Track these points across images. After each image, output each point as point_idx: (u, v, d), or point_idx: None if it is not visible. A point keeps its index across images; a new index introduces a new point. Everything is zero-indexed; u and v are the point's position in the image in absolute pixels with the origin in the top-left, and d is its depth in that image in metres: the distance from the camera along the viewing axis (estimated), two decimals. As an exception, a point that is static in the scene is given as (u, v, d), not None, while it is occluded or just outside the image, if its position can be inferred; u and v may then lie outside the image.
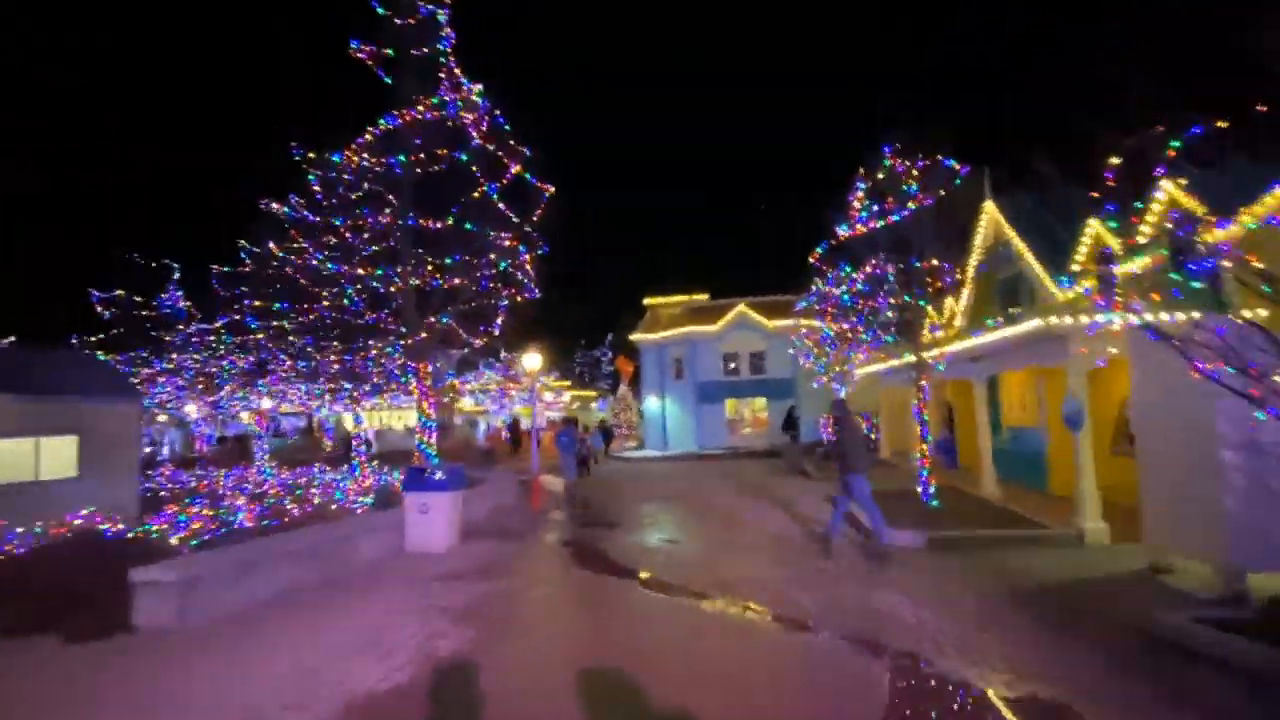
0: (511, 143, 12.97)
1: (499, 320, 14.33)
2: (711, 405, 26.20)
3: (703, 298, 28.65)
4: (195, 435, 33.98)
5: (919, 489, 10.69)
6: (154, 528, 8.88)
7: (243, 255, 14.37)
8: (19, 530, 8.99)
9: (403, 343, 12.38)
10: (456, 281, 12.32)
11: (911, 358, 11.28)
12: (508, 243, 12.92)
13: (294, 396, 23.97)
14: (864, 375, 19.09)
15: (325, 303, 12.02)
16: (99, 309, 23.52)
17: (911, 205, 10.80)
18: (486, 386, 40.46)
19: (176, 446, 34.46)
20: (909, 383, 18.49)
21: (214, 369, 20.72)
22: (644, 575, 7.52)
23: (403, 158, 11.68)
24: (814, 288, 18.59)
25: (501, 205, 13.15)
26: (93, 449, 11.98)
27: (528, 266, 14.17)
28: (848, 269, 11.71)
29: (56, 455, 11.50)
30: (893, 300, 11.29)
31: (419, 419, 12.88)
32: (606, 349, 65.09)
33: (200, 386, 22.90)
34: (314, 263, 11.82)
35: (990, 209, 14.17)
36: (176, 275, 24.24)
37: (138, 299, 24.14)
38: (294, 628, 5.81)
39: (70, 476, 11.62)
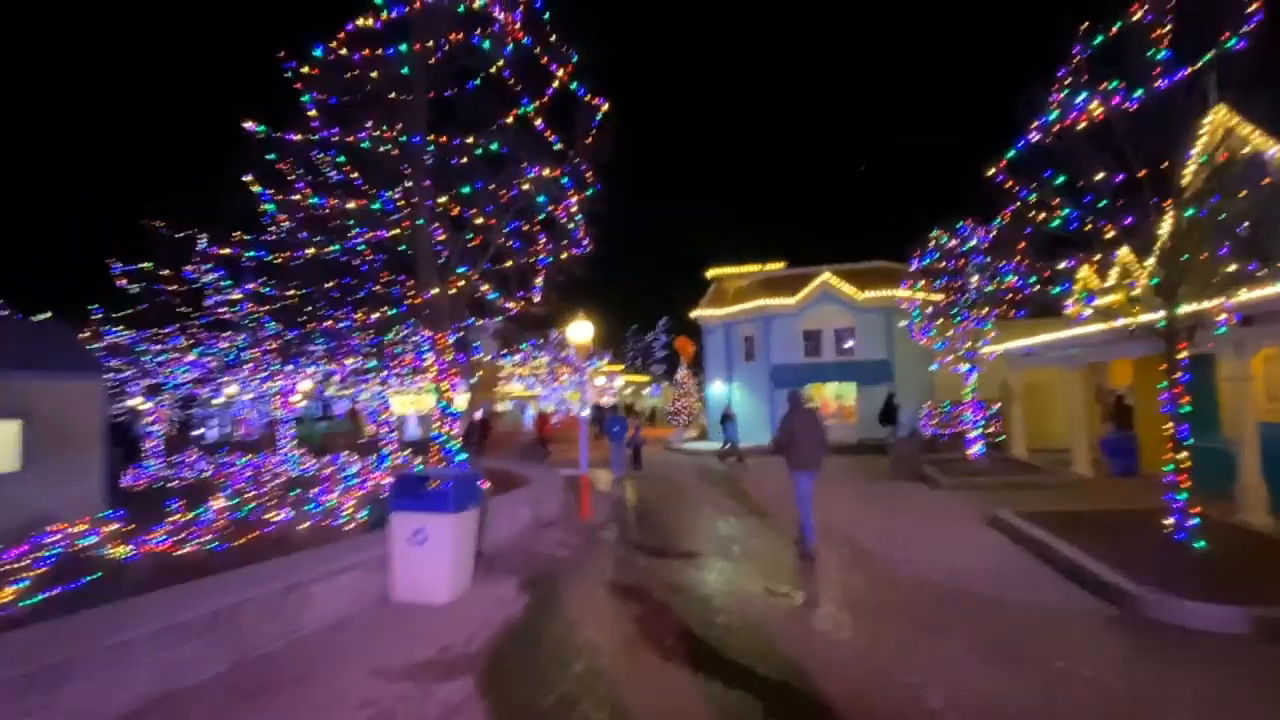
0: (554, 39, 9.79)
1: (538, 281, 11.31)
2: (788, 391, 22.61)
3: (778, 267, 24.93)
4: (239, 418, 32.90)
5: (1165, 519, 7.00)
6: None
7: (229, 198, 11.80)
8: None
9: (410, 302, 9.49)
10: (478, 219, 9.30)
11: (1147, 315, 7.50)
12: (548, 173, 9.79)
13: (333, 378, 21.86)
14: (991, 355, 15.16)
15: (311, 250, 9.22)
16: (123, 282, 21.94)
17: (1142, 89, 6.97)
18: (536, 370, 38.00)
19: (220, 430, 33.58)
20: (1063, 362, 14.46)
21: (239, 346, 18.65)
22: (768, 676, 4.30)
23: (404, 47, 8.66)
24: (931, 245, 14.83)
25: (540, 124, 10.04)
26: (41, 436, 9.64)
27: (575, 211, 11.04)
28: (1048, 180, 7.86)
29: (-7, 444, 9.23)
30: (1105, 230, 7.51)
31: (439, 404, 10.01)
32: (660, 333, 61.95)
33: (237, 367, 20.99)
34: (302, 200, 9.02)
35: (1223, 115, 10.07)
36: (203, 245, 22.29)
37: (164, 272, 22.31)
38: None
39: (10, 471, 9.31)
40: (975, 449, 14.01)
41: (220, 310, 20.37)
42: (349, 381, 23.15)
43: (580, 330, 10.47)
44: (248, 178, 9.20)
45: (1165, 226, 7.23)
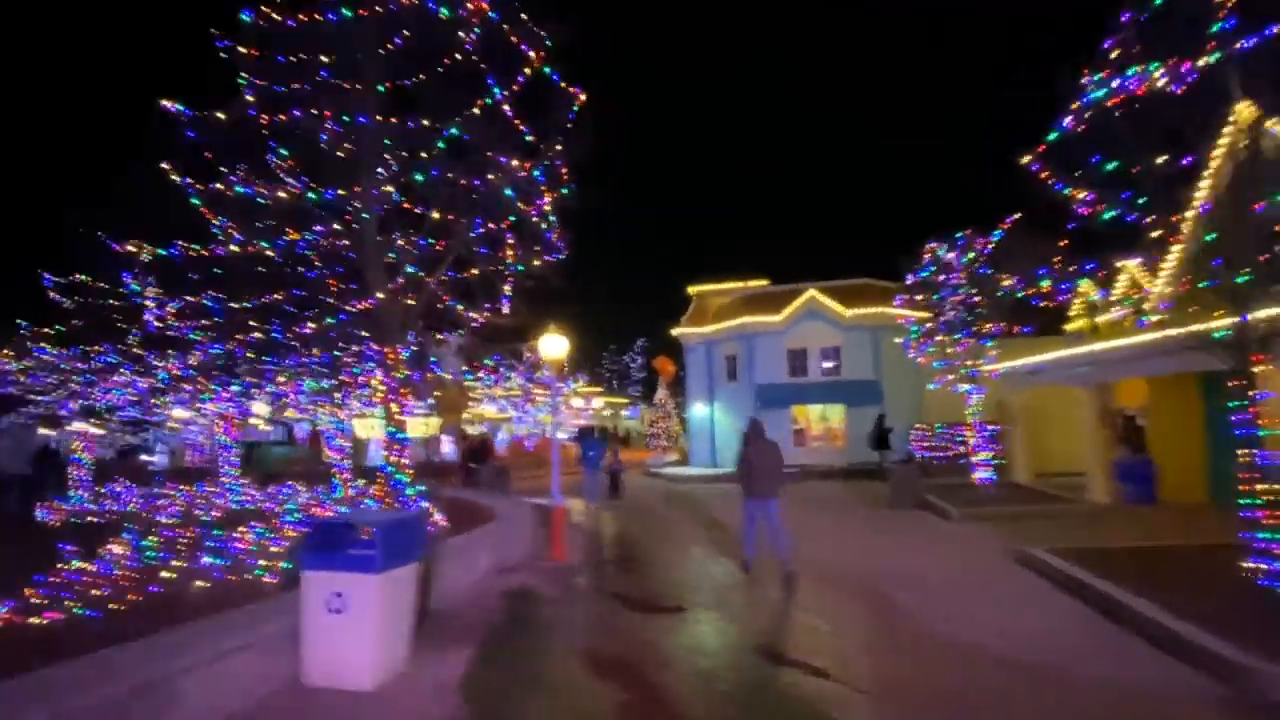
0: (526, 19, 8.71)
1: (506, 290, 10.09)
2: (773, 412, 21.55)
3: (762, 283, 24.07)
4: (187, 444, 30.71)
5: (1241, 560, 5.93)
6: None
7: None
8: None
9: (354, 308, 8.15)
10: (435, 214, 8.06)
11: (1188, 327, 6.55)
12: (517, 165, 8.63)
13: (284, 400, 20.15)
14: (993, 374, 14.30)
15: (235, 248, 7.85)
16: (54, 295, 20.03)
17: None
18: (511, 392, 36.46)
19: (167, 456, 31.30)
20: (1073, 381, 13.59)
21: (178, 365, 16.89)
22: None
23: (348, 11, 7.46)
24: (928, 258, 14.02)
25: (510, 113, 8.91)
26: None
27: (547, 210, 9.88)
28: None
29: None
30: (1157, 222, 6.57)
31: (386, 429, 8.64)
32: (637, 353, 60.88)
33: (173, 388, 19.16)
34: (226, 190, 7.68)
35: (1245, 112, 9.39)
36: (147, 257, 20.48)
37: (101, 285, 20.40)
38: None
39: None
40: (981, 474, 13.02)
41: (158, 326, 18.62)
42: (305, 404, 21.48)
43: (553, 344, 9.24)
44: (165, 165, 7.85)
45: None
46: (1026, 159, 7.03)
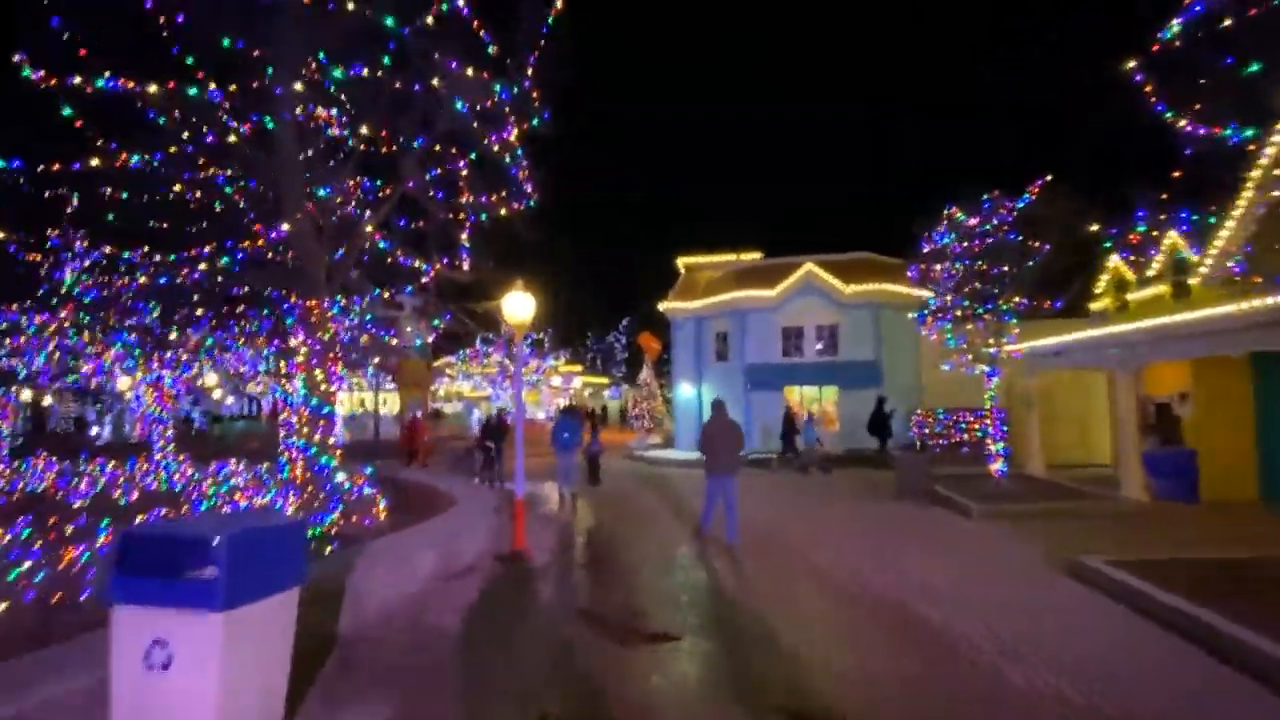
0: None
1: (464, 237, 8.48)
2: (765, 394, 20.24)
3: (754, 256, 22.56)
4: (136, 415, 28.65)
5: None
6: None
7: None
8: None
9: (258, 244, 6.49)
10: (364, 130, 6.39)
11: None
12: (471, 75, 6.96)
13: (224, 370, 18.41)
14: (1014, 355, 13.00)
15: (97, 159, 6.12)
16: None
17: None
18: (488, 369, 34.73)
19: (111, 429, 29.25)
20: (1104, 363, 12.27)
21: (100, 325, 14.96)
22: None
23: None
24: (944, 224, 12.59)
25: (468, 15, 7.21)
26: None
27: (514, 142, 8.24)
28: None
29: None
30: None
31: (306, 400, 7.04)
32: (621, 332, 59.23)
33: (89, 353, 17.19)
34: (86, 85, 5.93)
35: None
36: (74, 206, 18.41)
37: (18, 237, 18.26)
38: None
39: None
40: (998, 466, 11.76)
41: (70, 282, 16.62)
42: (257, 375, 19.69)
43: (517, 304, 7.67)
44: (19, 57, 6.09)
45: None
46: (1130, 65, 5.54)
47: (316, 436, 7.02)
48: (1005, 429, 12.33)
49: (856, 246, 20.90)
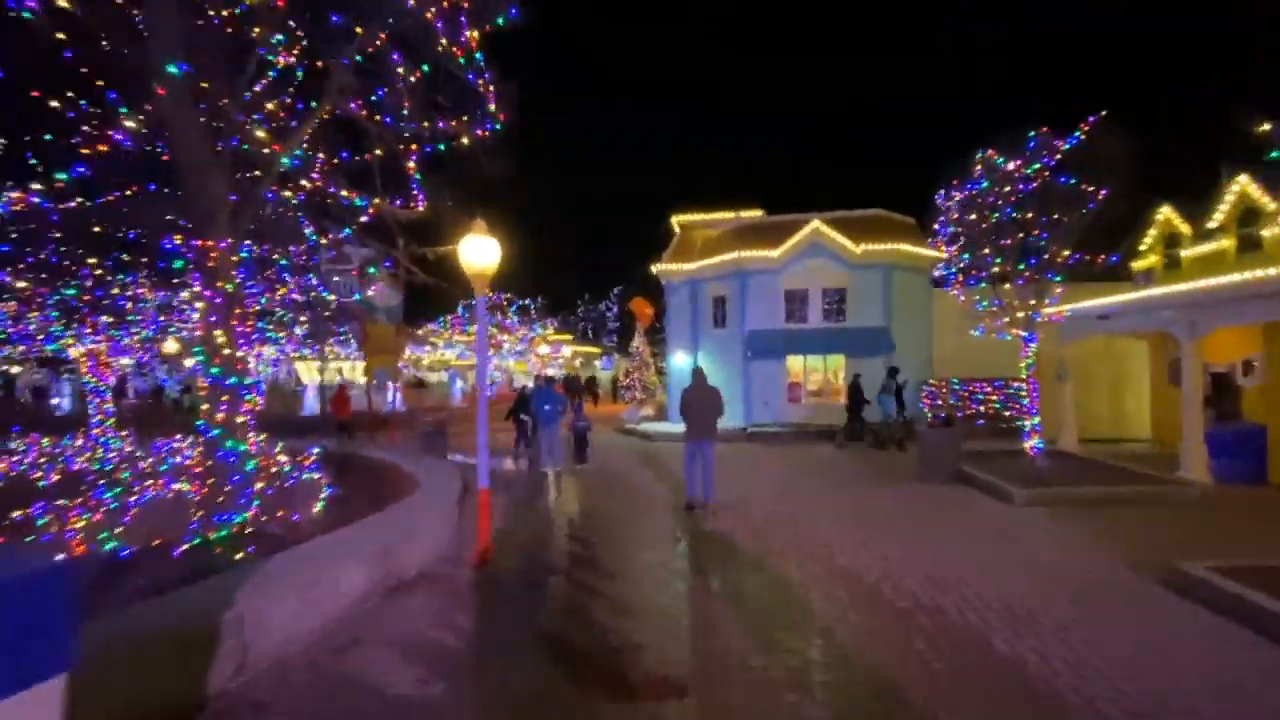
0: None
1: (412, 166, 6.89)
2: (767, 363, 18.81)
3: (755, 214, 20.86)
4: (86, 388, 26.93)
5: None
6: None
7: None
8: None
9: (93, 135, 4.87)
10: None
11: None
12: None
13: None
14: (1054, 318, 11.58)
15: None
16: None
17: None
18: (472, 336, 33.12)
19: (71, 400, 27.55)
20: (1156, 326, 10.84)
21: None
22: None
23: None
24: (978, 170, 11.03)
25: None
26: None
27: (473, 48, 6.59)
28: None
29: None
30: None
31: (207, 370, 5.52)
32: (613, 301, 57.41)
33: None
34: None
35: None
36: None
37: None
38: None
39: None
40: (1033, 442, 10.45)
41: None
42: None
43: (477, 249, 6.11)
44: None
45: None
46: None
47: (219, 415, 5.53)
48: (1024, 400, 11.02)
49: (866, 204, 19.25)
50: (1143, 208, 12.70)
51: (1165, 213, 12.95)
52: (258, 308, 6.19)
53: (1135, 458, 11.17)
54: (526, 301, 36.18)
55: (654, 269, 21.41)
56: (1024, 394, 10.76)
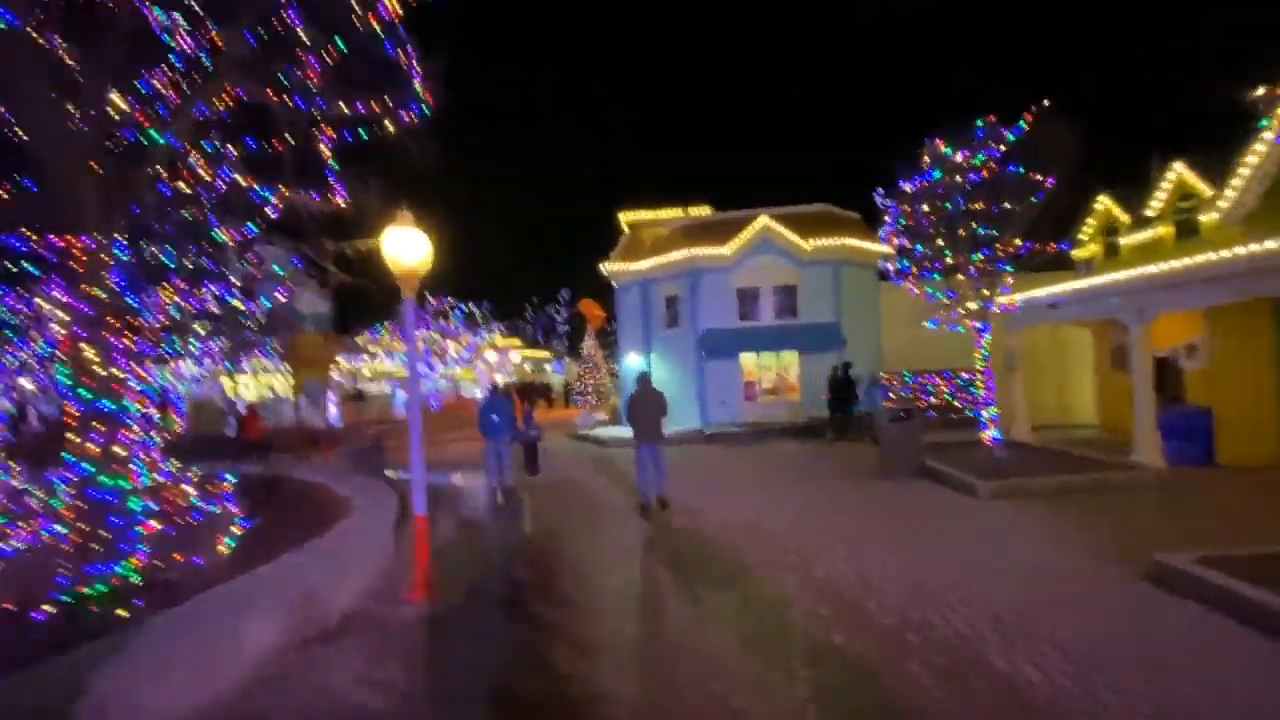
0: None
1: (327, 154, 6.12)
2: (721, 363, 18.49)
3: (704, 211, 20.58)
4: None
5: None
6: None
7: None
8: None
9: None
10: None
11: None
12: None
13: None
14: (1007, 308, 11.63)
15: None
16: None
17: None
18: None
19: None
20: (1103, 314, 11.00)
21: None
22: None
23: None
24: (926, 162, 10.95)
25: None
26: None
27: (395, 20, 5.87)
28: None
29: None
30: None
31: (70, 392, 4.61)
32: (563, 305, 56.51)
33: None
34: None
35: None
36: None
37: None
38: None
39: None
40: (991, 433, 10.41)
41: None
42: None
43: (404, 243, 5.39)
44: None
45: None
46: None
47: (89, 444, 4.62)
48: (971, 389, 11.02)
49: (810, 199, 19.23)
50: (1086, 195, 12.97)
51: (1104, 201, 13.29)
52: (143, 321, 5.28)
53: (1087, 444, 11.32)
54: (471, 306, 34.95)
55: (603, 268, 20.83)
56: (976, 385, 10.73)
